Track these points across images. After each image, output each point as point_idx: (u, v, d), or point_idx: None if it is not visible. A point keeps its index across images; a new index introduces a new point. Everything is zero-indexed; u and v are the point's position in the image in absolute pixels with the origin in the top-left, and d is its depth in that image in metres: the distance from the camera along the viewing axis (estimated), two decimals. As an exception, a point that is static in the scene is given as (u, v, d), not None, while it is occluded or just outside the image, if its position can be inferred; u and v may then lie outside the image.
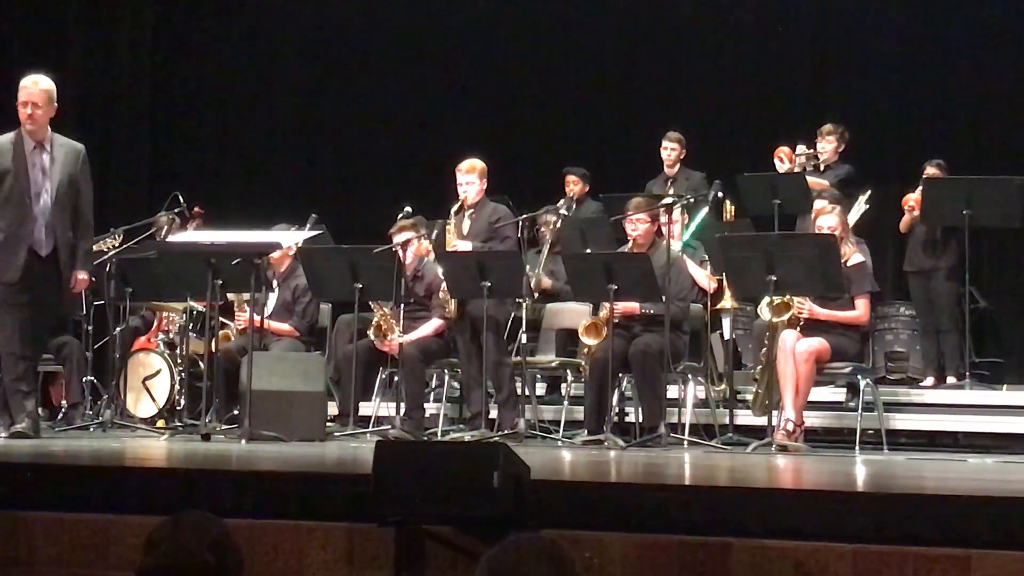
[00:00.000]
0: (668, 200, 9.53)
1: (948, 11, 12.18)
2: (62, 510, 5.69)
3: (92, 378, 10.33)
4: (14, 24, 14.10)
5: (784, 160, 10.91)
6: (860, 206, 10.49)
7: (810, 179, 10.47)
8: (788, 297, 8.38)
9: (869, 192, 10.64)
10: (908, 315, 10.89)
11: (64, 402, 10.33)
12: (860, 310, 8.60)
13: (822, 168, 10.85)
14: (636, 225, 9.04)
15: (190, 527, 3.07)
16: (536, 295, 10.07)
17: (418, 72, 13.53)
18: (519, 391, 9.31)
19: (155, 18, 14.49)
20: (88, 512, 5.66)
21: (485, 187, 9.61)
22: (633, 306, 8.86)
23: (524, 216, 9.85)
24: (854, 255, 8.73)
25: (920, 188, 10.16)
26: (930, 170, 10.35)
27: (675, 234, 9.56)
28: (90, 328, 10.27)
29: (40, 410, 10.21)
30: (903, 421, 9.34)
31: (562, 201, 11.48)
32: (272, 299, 10.17)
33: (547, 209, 11.01)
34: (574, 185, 11.73)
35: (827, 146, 10.90)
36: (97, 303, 10.19)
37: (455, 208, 9.61)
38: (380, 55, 13.63)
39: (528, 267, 9.60)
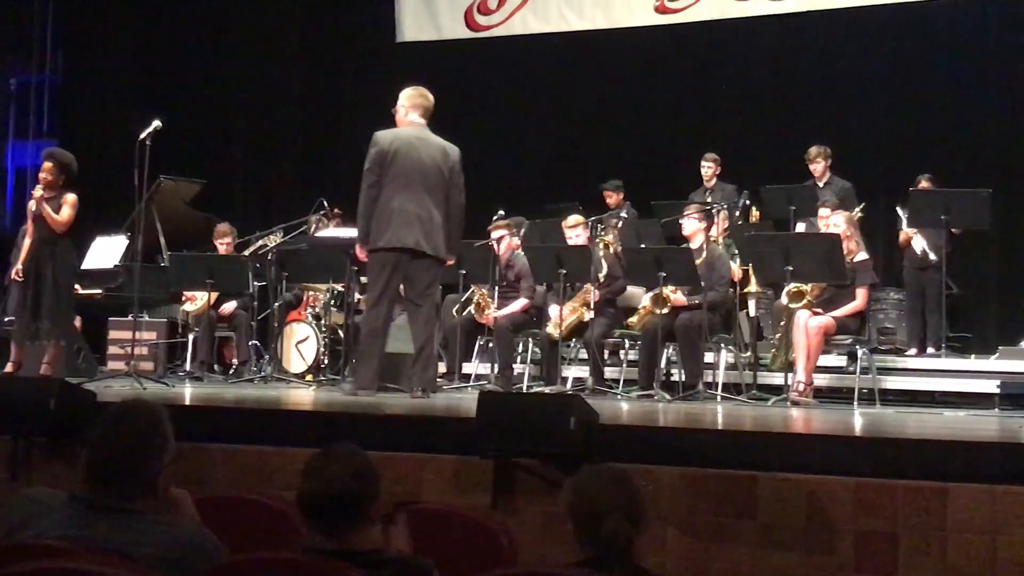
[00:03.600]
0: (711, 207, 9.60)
1: (929, 61, 12.03)
2: (235, 442, 5.78)
3: (257, 342, 10.43)
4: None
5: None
6: (856, 215, 10.36)
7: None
8: (803, 286, 8.30)
9: (863, 204, 10.53)
10: (896, 298, 10.79)
11: (235, 360, 10.46)
12: (859, 300, 8.38)
13: (822, 184, 10.72)
14: (686, 223, 9.08)
15: (338, 460, 2.97)
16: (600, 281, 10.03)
17: (509, 117, 13.53)
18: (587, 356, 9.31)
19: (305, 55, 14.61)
20: (254, 444, 5.74)
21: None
22: (682, 299, 8.83)
23: (593, 219, 9.85)
24: (860, 253, 8.50)
25: (904, 227, 10.21)
26: (923, 183, 10.23)
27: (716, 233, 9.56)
28: (255, 303, 10.38)
29: (216, 366, 10.41)
30: (892, 382, 9.22)
31: (621, 209, 11.44)
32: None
33: (610, 214, 11.02)
34: (609, 198, 11.71)
35: (817, 166, 10.76)
36: (260, 284, 10.28)
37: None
38: (492, 103, 13.63)
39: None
